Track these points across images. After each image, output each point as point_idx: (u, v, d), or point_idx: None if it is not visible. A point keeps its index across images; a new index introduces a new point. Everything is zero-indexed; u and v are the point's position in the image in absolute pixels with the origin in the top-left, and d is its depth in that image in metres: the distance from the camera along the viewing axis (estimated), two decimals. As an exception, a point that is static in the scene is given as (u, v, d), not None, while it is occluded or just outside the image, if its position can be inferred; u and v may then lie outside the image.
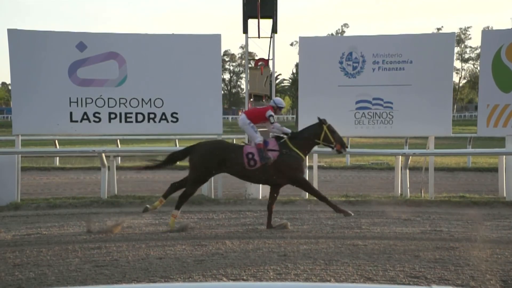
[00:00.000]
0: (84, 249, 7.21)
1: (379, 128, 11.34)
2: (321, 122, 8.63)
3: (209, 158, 8.36)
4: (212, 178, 11.14)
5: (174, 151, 9.36)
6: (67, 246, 7.39)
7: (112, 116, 11.11)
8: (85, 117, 11.02)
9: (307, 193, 11.06)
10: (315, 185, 11.29)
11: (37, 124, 11.03)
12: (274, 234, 8.06)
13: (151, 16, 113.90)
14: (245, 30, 11.53)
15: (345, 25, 71.85)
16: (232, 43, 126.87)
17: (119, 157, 16.15)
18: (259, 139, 8.43)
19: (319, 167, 12.92)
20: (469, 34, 72.75)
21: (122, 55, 11.06)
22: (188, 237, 7.87)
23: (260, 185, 10.98)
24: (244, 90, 13.84)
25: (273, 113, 8.73)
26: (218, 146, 8.61)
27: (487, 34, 11.62)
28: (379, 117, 11.28)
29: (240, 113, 8.80)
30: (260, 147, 8.32)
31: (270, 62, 12.25)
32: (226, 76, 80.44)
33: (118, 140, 17.61)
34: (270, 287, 2.29)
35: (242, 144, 8.94)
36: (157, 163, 8.96)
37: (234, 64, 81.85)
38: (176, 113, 11.26)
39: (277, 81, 59.40)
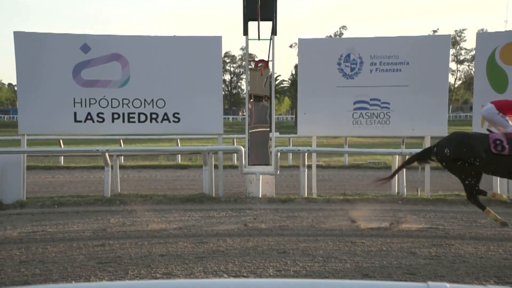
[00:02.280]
0: (88, 246, 7.30)
1: (377, 128, 11.49)
2: None
3: (458, 151, 8.01)
4: (212, 177, 11.37)
5: (411, 154, 9.01)
6: (71, 243, 7.48)
7: (115, 116, 11.27)
8: (89, 117, 11.17)
9: (306, 192, 11.25)
10: (314, 184, 11.48)
11: (42, 124, 11.22)
12: (273, 232, 8.17)
13: (152, 16, 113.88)
14: (246, 32, 11.61)
15: (343, 27, 72.61)
16: (232, 44, 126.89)
17: (122, 157, 16.31)
18: (510, 128, 8.03)
19: (318, 166, 13.09)
20: (464, 36, 73.24)
21: (125, 56, 11.20)
22: (189, 235, 7.96)
23: (260, 184, 11.17)
24: (244, 91, 13.96)
25: None
26: (461, 136, 8.30)
27: (482, 36, 11.76)
28: (377, 117, 11.44)
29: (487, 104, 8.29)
30: (511, 136, 7.94)
31: (270, 64, 12.38)
32: (227, 77, 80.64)
33: (121, 140, 17.80)
34: (269, 284, 2.41)
35: (487, 132, 8.36)
36: (402, 165, 8.93)
37: (234, 65, 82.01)
38: (178, 114, 11.40)
39: (277, 82, 59.39)
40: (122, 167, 14.30)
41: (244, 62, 44.59)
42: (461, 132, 8.71)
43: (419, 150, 11.99)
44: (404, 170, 11.18)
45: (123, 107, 11.28)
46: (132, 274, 6.13)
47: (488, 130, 8.33)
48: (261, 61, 12.67)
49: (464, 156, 7.99)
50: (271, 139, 12.23)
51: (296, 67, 51.97)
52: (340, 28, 73.36)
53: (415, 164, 8.96)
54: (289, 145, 18.08)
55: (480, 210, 8.31)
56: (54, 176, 15.15)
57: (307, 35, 68.66)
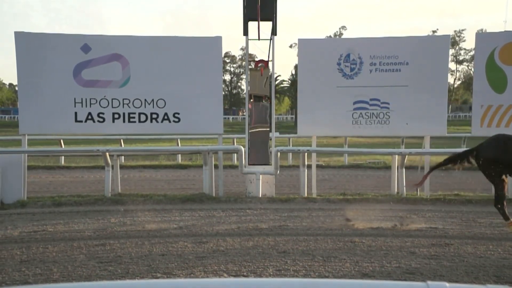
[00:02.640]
0: (89, 246, 7.33)
1: (376, 128, 11.51)
2: None
3: (500, 154, 7.75)
4: (213, 177, 11.39)
5: (453, 153, 8.84)
6: (72, 243, 7.51)
7: (116, 116, 11.30)
8: (89, 117, 11.21)
9: (306, 192, 11.28)
10: (314, 183, 11.50)
11: (43, 124, 11.24)
12: (273, 232, 8.19)
13: (152, 16, 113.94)
14: (246, 32, 11.62)
15: (343, 27, 72.90)
16: (232, 44, 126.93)
17: (123, 156, 16.34)
18: None
19: (318, 166, 13.11)
20: (464, 37, 73.49)
21: (126, 56, 11.23)
22: (189, 235, 7.98)
23: (260, 184, 11.19)
24: (244, 91, 13.99)
25: None
26: (505, 138, 7.96)
27: (481, 36, 11.75)
28: (376, 117, 11.46)
29: None
30: None
31: (270, 64, 12.41)
32: (227, 77, 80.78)
33: (122, 140, 17.84)
34: (269, 284, 2.42)
35: None
36: (437, 165, 8.66)
37: (234, 65, 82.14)
38: (178, 113, 11.43)
39: (277, 82, 59.45)
40: (122, 167, 14.34)
41: (244, 62, 44.65)
42: (503, 135, 8.42)
43: (419, 150, 12.08)
44: (404, 170, 11.25)
45: (123, 107, 11.31)
46: (133, 274, 6.14)
47: None
48: (261, 61, 12.71)
49: (505, 159, 7.69)
50: (271, 139, 12.26)
51: (296, 67, 52.02)
52: (340, 28, 73.63)
53: (446, 166, 8.67)
54: (289, 145, 18.11)
55: (504, 219, 8.04)
56: (54, 176, 15.20)
57: (307, 35, 68.76)
